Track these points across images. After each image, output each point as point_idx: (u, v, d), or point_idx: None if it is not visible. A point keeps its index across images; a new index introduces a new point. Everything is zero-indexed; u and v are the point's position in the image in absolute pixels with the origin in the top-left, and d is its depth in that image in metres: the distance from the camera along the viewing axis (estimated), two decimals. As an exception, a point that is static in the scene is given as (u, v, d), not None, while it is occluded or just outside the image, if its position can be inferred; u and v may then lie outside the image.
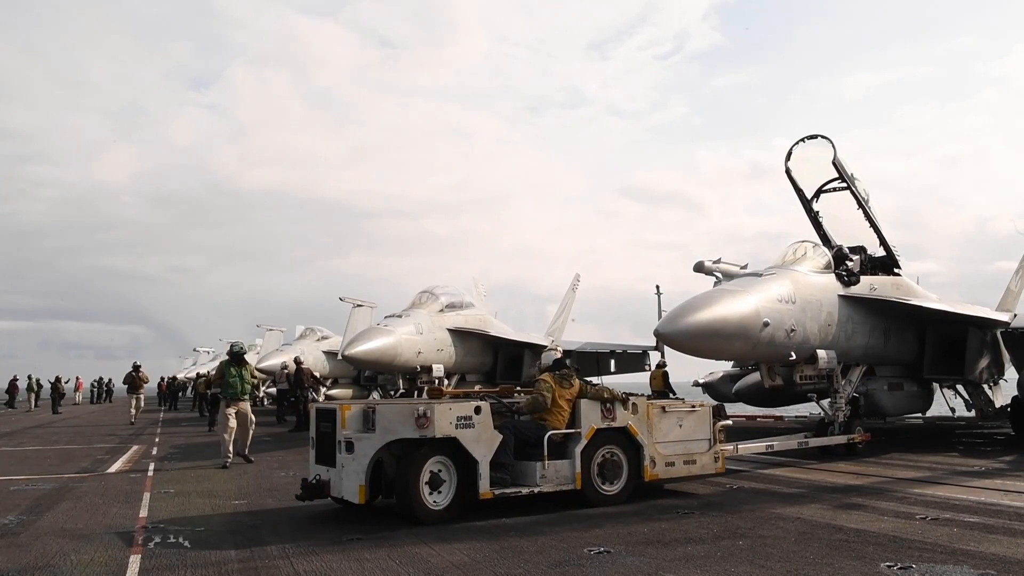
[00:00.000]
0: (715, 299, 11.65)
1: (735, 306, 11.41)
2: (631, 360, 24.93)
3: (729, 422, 10.56)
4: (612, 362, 25.31)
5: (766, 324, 11.54)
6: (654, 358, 25.52)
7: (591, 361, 24.66)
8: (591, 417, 8.59)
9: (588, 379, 9.44)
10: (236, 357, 13.29)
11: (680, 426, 9.26)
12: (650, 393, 20.14)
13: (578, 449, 8.40)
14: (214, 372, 14.47)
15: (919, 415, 18.20)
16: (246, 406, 13.10)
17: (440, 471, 7.73)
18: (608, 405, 8.71)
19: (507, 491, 7.99)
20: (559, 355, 9.36)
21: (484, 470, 7.81)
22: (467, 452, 7.78)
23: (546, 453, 8.23)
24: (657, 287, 25.98)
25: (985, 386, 16.17)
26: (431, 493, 7.65)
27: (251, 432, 13.24)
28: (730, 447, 10.45)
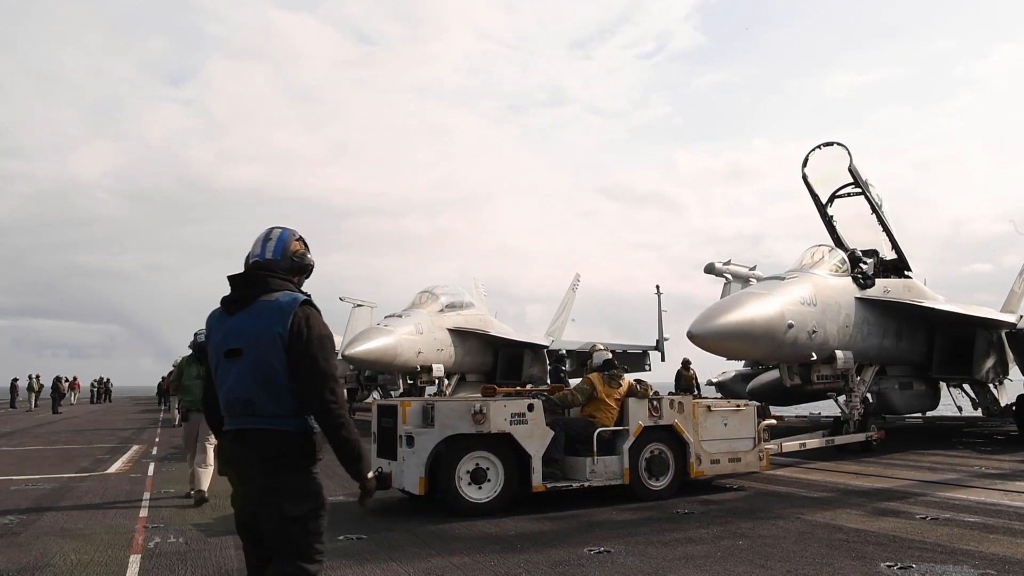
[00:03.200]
0: (743, 302, 12.08)
1: (761, 308, 11.82)
2: (631, 360, 24.94)
3: (773, 421, 10.80)
4: (612, 362, 25.33)
5: (790, 326, 11.91)
6: (654, 358, 25.56)
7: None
8: (639, 415, 8.85)
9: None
10: (200, 350, 9.43)
11: (725, 425, 9.49)
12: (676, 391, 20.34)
13: (626, 446, 8.70)
14: (172, 374, 10.07)
15: (919, 414, 18.40)
16: None
17: (487, 468, 7.98)
18: (655, 404, 8.96)
19: (558, 485, 8.35)
20: (608, 355, 9.61)
21: (537, 464, 8.15)
22: (520, 447, 8.09)
23: (595, 449, 8.53)
24: (657, 287, 25.89)
25: (991, 385, 16.55)
26: (470, 485, 7.90)
27: (212, 452, 8.89)
28: (773, 445, 10.67)
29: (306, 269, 3.50)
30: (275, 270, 3.35)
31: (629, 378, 9.49)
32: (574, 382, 15.25)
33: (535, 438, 8.19)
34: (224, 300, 3.34)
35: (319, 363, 3.16)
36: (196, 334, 9.70)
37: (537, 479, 8.12)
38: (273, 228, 3.48)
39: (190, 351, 9.82)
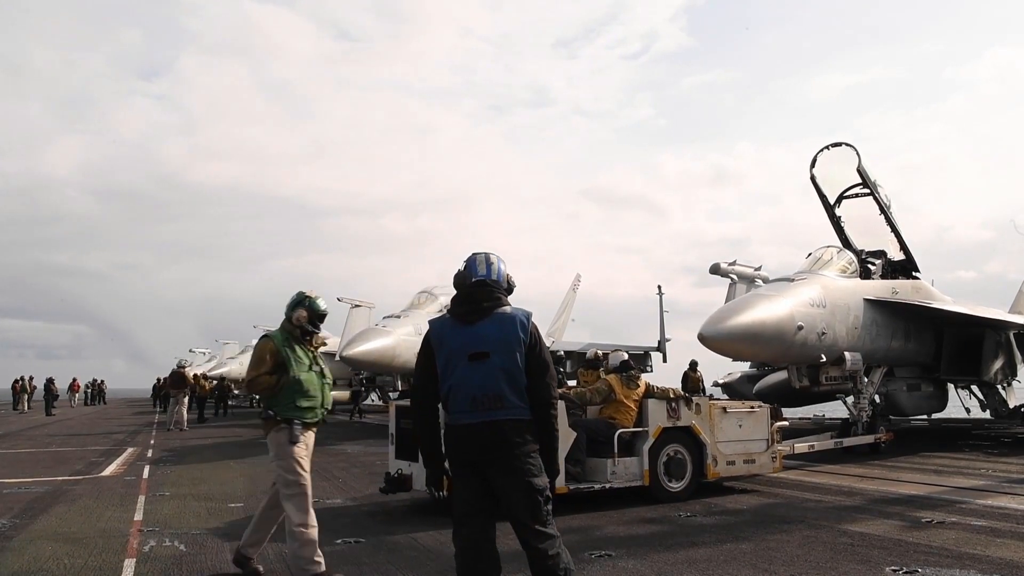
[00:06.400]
0: (753, 303, 12.08)
1: (771, 310, 11.82)
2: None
3: (786, 423, 10.78)
4: (612, 363, 25.26)
5: (800, 328, 11.92)
6: (655, 359, 25.50)
7: (592, 362, 24.61)
8: (658, 416, 8.86)
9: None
10: (311, 317, 5.77)
11: (740, 426, 9.50)
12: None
13: (646, 447, 8.70)
14: (253, 357, 5.72)
15: (926, 416, 18.31)
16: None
17: None
18: (673, 405, 8.96)
19: (580, 486, 8.29)
20: (625, 356, 9.59)
21: (560, 466, 7.93)
22: None
23: (616, 451, 8.47)
24: (659, 287, 25.92)
25: (999, 387, 16.50)
26: None
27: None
28: (786, 447, 10.68)
29: (512, 290, 4.22)
30: (498, 289, 4.06)
31: (646, 379, 9.47)
32: (573, 384, 15.09)
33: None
34: (458, 312, 4.01)
35: (549, 367, 3.96)
36: (302, 297, 5.83)
37: (560, 481, 8.03)
38: (489, 254, 4.15)
39: (292, 323, 5.76)
